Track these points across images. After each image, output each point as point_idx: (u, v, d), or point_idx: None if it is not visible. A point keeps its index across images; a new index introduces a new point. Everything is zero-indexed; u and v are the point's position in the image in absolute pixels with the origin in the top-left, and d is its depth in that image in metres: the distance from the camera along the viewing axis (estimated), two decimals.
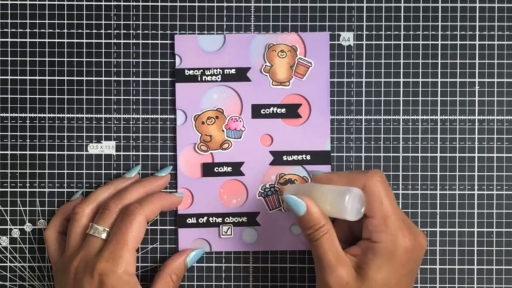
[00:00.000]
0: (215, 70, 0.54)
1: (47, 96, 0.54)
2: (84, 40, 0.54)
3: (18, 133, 0.54)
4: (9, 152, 0.54)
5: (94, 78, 0.54)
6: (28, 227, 0.54)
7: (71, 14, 0.54)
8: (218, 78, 0.54)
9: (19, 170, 0.54)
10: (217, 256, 0.54)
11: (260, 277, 0.54)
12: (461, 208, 0.54)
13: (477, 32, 0.54)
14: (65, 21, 0.54)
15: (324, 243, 0.46)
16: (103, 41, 0.54)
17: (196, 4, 0.54)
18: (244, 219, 0.54)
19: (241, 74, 0.54)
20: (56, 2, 0.54)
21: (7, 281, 0.54)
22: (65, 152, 0.54)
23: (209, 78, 0.54)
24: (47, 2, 0.54)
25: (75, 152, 0.54)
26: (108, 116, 0.54)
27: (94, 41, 0.54)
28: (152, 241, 0.54)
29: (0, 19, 0.54)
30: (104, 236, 0.49)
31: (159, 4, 0.54)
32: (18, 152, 0.54)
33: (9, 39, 0.54)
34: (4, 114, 0.54)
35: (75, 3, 0.54)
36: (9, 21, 0.54)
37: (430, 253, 0.54)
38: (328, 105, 0.54)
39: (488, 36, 0.54)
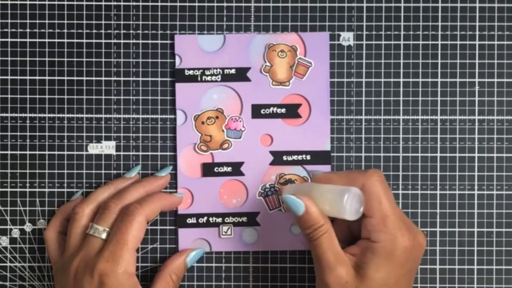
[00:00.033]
0: (215, 70, 0.54)
1: (47, 96, 0.54)
2: (84, 40, 0.54)
3: (18, 133, 0.54)
4: (9, 152, 0.54)
5: (94, 78, 0.54)
6: (28, 227, 0.54)
7: (71, 14, 0.54)
8: (218, 78, 0.54)
9: (19, 170, 0.54)
10: (217, 256, 0.54)
11: (260, 277, 0.54)
12: (461, 208, 0.54)
13: (477, 32, 0.54)
14: (65, 21, 0.54)
15: (323, 243, 0.46)
16: (103, 41, 0.54)
17: (196, 4, 0.54)
18: (244, 219, 0.54)
19: (241, 74, 0.54)
20: (56, 2, 0.54)
21: (7, 281, 0.54)
22: (65, 152, 0.54)
23: (209, 78, 0.54)
24: (47, 2, 0.54)
25: (75, 152, 0.54)
26: (108, 116, 0.54)
27: (94, 41, 0.54)
28: (152, 241, 0.54)
29: (0, 19, 0.54)
30: (104, 236, 0.49)
31: (159, 4, 0.54)
32: (18, 152, 0.54)
33: (9, 39, 0.54)
34: (4, 114, 0.54)
35: (75, 3, 0.54)
36: (9, 21, 0.54)
37: (430, 253, 0.54)
38: (328, 105, 0.54)
39: (488, 36, 0.54)
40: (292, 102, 0.54)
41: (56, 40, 0.54)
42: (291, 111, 0.54)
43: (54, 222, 0.53)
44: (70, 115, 0.54)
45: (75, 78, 0.54)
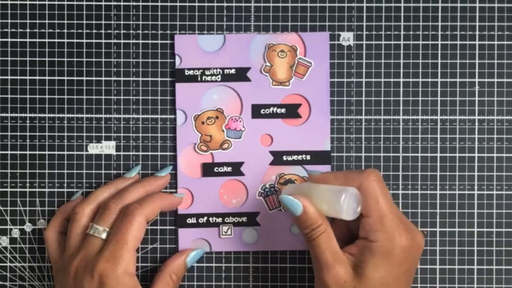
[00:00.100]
0: (215, 70, 0.54)
1: (47, 96, 0.54)
2: (84, 40, 0.54)
3: (18, 133, 0.54)
4: (9, 152, 0.54)
5: (94, 78, 0.54)
6: (28, 227, 0.54)
7: (71, 14, 0.54)
8: (218, 78, 0.54)
9: (19, 170, 0.54)
10: (217, 256, 0.54)
11: (260, 277, 0.54)
12: (461, 208, 0.54)
13: (477, 32, 0.54)
14: (65, 21, 0.54)
15: (322, 242, 0.46)
16: (103, 41, 0.54)
17: (196, 4, 0.54)
18: (244, 219, 0.54)
19: (241, 74, 0.54)
20: (56, 2, 0.54)
21: (7, 281, 0.54)
22: (65, 152, 0.54)
23: (209, 78, 0.54)
24: (47, 2, 0.54)
25: (75, 152, 0.54)
26: (108, 116, 0.54)
27: (94, 41, 0.54)
28: (152, 241, 0.54)
29: (0, 19, 0.54)
30: (104, 236, 0.49)
31: (159, 4, 0.54)
32: (18, 152, 0.54)
33: (9, 39, 0.54)
34: (4, 114, 0.54)
35: (75, 3, 0.54)
36: (9, 21, 0.54)
37: (430, 253, 0.54)
38: (328, 105, 0.54)
39: (488, 36, 0.54)
40: (292, 102, 0.54)
41: (56, 40, 0.54)
42: (291, 111, 0.54)
43: (54, 222, 0.53)
44: (70, 115, 0.54)
45: (75, 78, 0.54)
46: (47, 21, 0.54)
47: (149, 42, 0.54)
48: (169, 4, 0.54)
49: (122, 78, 0.54)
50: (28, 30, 0.54)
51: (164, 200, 0.51)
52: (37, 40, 0.54)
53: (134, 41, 0.54)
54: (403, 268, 0.46)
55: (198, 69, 0.54)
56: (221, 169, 0.54)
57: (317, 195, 0.47)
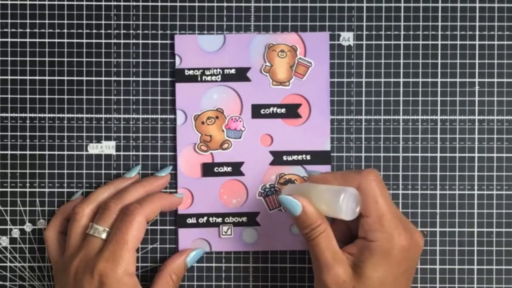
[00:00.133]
0: (215, 70, 0.54)
1: (47, 96, 0.54)
2: (84, 40, 0.54)
3: (18, 133, 0.54)
4: (9, 152, 0.54)
5: (94, 78, 0.54)
6: (28, 227, 0.54)
7: (71, 14, 0.54)
8: (218, 78, 0.54)
9: (19, 170, 0.54)
10: (217, 256, 0.54)
11: (260, 277, 0.54)
12: (461, 208, 0.54)
13: (477, 32, 0.54)
14: (65, 21, 0.54)
15: (321, 242, 0.46)
16: (103, 41, 0.54)
17: (196, 4, 0.54)
18: (244, 219, 0.54)
19: (241, 74, 0.54)
20: (56, 2, 0.54)
21: (7, 281, 0.54)
22: (65, 152, 0.54)
23: (209, 78, 0.54)
24: (47, 2, 0.54)
25: (75, 152, 0.54)
26: (108, 116, 0.54)
27: (94, 41, 0.54)
28: (152, 241, 0.54)
29: (0, 19, 0.54)
30: (104, 236, 0.49)
31: (159, 4, 0.54)
32: (18, 152, 0.54)
33: (9, 39, 0.54)
34: (4, 114, 0.54)
35: (75, 3, 0.54)
36: (9, 21, 0.54)
37: (430, 253, 0.54)
38: (328, 105, 0.54)
39: (488, 36, 0.54)
40: (292, 102, 0.54)
41: (56, 40, 0.54)
42: (291, 111, 0.54)
43: (54, 222, 0.53)
44: (70, 115, 0.54)
45: (75, 78, 0.54)
46: (47, 21, 0.54)
47: (149, 42, 0.54)
48: (169, 4, 0.54)
49: (122, 78, 0.54)
50: (28, 30, 0.54)
51: (164, 200, 0.51)
52: (37, 40, 0.54)
53: (134, 41, 0.54)
54: (402, 268, 0.46)
55: (198, 69, 0.54)
56: (221, 169, 0.54)
57: (316, 195, 0.47)
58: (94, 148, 0.54)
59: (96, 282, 0.47)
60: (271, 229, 0.54)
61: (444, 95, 0.54)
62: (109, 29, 0.54)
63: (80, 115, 0.54)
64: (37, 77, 0.54)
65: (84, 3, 0.54)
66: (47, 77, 0.54)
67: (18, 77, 0.54)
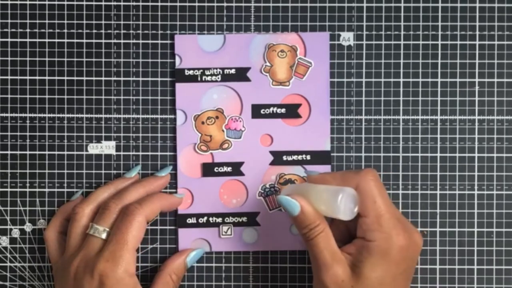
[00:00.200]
0: (215, 70, 0.54)
1: (47, 96, 0.54)
2: (84, 40, 0.54)
3: (18, 133, 0.54)
4: (9, 152, 0.54)
5: (94, 78, 0.54)
6: (28, 227, 0.54)
7: (71, 14, 0.54)
8: (218, 78, 0.54)
9: (19, 170, 0.54)
10: (217, 256, 0.54)
11: (260, 277, 0.54)
12: (461, 208, 0.54)
13: (477, 32, 0.54)
14: (65, 21, 0.54)
15: (320, 242, 0.46)
16: (103, 41, 0.54)
17: (196, 4, 0.54)
18: (244, 219, 0.54)
19: (241, 74, 0.54)
20: (56, 2, 0.54)
21: (7, 281, 0.54)
22: (65, 152, 0.54)
23: (209, 78, 0.54)
24: (47, 2, 0.54)
25: (75, 152, 0.54)
26: (108, 116, 0.54)
27: (94, 41, 0.54)
28: (152, 241, 0.54)
29: (0, 19, 0.54)
30: (104, 236, 0.49)
31: (159, 4, 0.54)
32: (18, 152, 0.54)
33: (9, 39, 0.54)
34: (4, 114, 0.54)
35: (75, 3, 0.54)
36: (9, 21, 0.54)
37: (430, 253, 0.54)
38: (328, 105, 0.54)
39: (488, 36, 0.54)
40: (292, 102, 0.54)
41: (56, 40, 0.54)
42: (291, 111, 0.54)
43: (54, 222, 0.53)
44: (70, 115, 0.54)
45: (75, 78, 0.54)
46: (47, 21, 0.54)
47: (149, 42, 0.54)
48: (169, 4, 0.54)
49: (122, 78, 0.54)
50: (28, 30, 0.54)
51: (164, 200, 0.51)
52: (37, 40, 0.54)
53: (134, 41, 0.54)
54: (401, 268, 0.46)
55: (198, 69, 0.54)
56: (221, 169, 0.54)
57: (315, 195, 0.47)
58: (94, 148, 0.54)
59: (96, 282, 0.47)
60: (271, 229, 0.54)
61: (444, 95, 0.54)
62: (109, 29, 0.54)
63: (80, 115, 0.54)
64: (37, 77, 0.54)
65: (84, 3, 0.54)
66: (47, 77, 0.54)
67: (18, 77, 0.54)
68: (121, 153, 0.54)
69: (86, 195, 0.53)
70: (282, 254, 0.55)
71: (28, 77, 0.54)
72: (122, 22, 0.54)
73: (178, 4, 0.54)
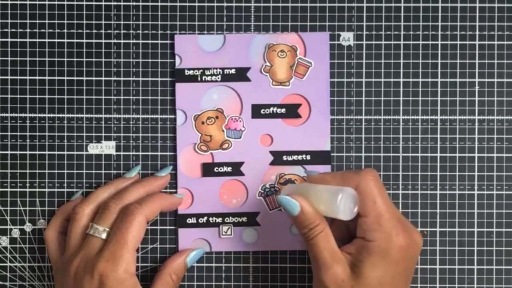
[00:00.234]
0: (215, 70, 0.54)
1: (47, 96, 0.54)
2: (84, 40, 0.54)
3: (18, 133, 0.54)
4: (9, 152, 0.54)
5: (94, 78, 0.54)
6: (28, 227, 0.54)
7: (71, 14, 0.54)
8: (218, 78, 0.54)
9: (19, 170, 0.54)
10: (217, 256, 0.54)
11: (260, 277, 0.54)
12: (461, 208, 0.54)
13: (477, 32, 0.54)
14: (65, 21, 0.54)
15: (319, 242, 0.46)
16: (103, 41, 0.54)
17: (196, 4, 0.54)
18: (244, 219, 0.54)
19: (241, 74, 0.54)
20: (56, 2, 0.54)
21: (7, 281, 0.54)
22: (65, 152, 0.54)
23: (209, 78, 0.54)
24: (47, 2, 0.54)
25: (75, 152, 0.54)
26: (108, 116, 0.54)
27: (94, 41, 0.54)
28: (152, 241, 0.54)
29: (0, 19, 0.54)
30: (104, 236, 0.49)
31: (159, 4, 0.54)
32: (18, 152, 0.54)
33: (9, 39, 0.54)
34: (4, 114, 0.54)
35: (75, 3, 0.54)
36: (9, 21, 0.54)
37: (430, 253, 0.54)
38: (328, 105, 0.54)
39: (488, 36, 0.54)
40: (292, 102, 0.54)
41: (56, 40, 0.54)
42: (291, 111, 0.54)
43: (54, 222, 0.53)
44: (70, 115, 0.54)
45: (75, 78, 0.54)
46: (47, 21, 0.54)
47: (149, 42, 0.54)
48: (169, 4, 0.54)
49: (122, 78, 0.54)
50: (28, 30, 0.54)
51: (164, 200, 0.51)
52: (37, 40, 0.54)
53: (134, 41, 0.54)
54: (400, 268, 0.46)
55: (198, 69, 0.54)
56: (221, 169, 0.54)
57: (315, 195, 0.47)
58: (94, 148, 0.54)
59: (96, 282, 0.47)
60: (271, 229, 0.54)
61: (444, 95, 0.54)
62: (109, 29, 0.54)
63: (80, 115, 0.54)
64: (37, 77, 0.54)
65: (84, 3, 0.54)
66: (47, 77, 0.54)
67: (18, 77, 0.54)
68: (121, 153, 0.54)
69: (86, 195, 0.53)
70: (282, 254, 0.55)
71: (28, 77, 0.54)
72: (122, 22, 0.54)
73: (178, 4, 0.54)
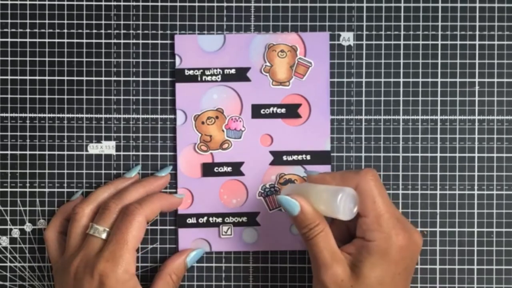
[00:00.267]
0: (215, 70, 0.54)
1: (47, 96, 0.54)
2: (84, 40, 0.54)
3: (18, 133, 0.54)
4: (9, 152, 0.54)
5: (94, 78, 0.54)
6: (28, 227, 0.54)
7: (71, 14, 0.54)
8: (218, 78, 0.54)
9: (19, 170, 0.54)
10: (217, 256, 0.54)
11: (260, 277, 0.54)
12: (461, 208, 0.54)
13: (477, 32, 0.54)
14: (65, 21, 0.54)
15: (319, 242, 0.46)
16: (103, 41, 0.54)
17: (196, 4, 0.54)
18: (244, 219, 0.54)
19: (241, 74, 0.54)
20: (56, 2, 0.54)
21: (7, 281, 0.54)
22: (65, 152, 0.54)
23: (209, 78, 0.54)
24: (47, 2, 0.54)
25: (75, 152, 0.54)
26: (108, 116, 0.54)
27: (94, 41, 0.54)
28: (152, 241, 0.54)
29: (0, 19, 0.54)
30: (104, 236, 0.49)
31: (159, 4, 0.54)
32: (18, 152, 0.54)
33: (9, 39, 0.54)
34: (4, 114, 0.54)
35: (75, 3, 0.54)
36: (9, 21, 0.54)
37: (430, 253, 0.54)
38: (328, 105, 0.54)
39: (488, 36, 0.54)
40: (292, 102, 0.54)
41: (56, 40, 0.54)
42: (291, 111, 0.54)
43: (54, 222, 0.53)
44: (70, 115, 0.54)
45: (75, 78, 0.54)
46: (47, 21, 0.54)
47: (149, 42, 0.54)
48: (169, 4, 0.54)
49: (122, 78, 0.54)
50: (28, 30, 0.54)
51: (164, 200, 0.51)
52: (37, 40, 0.54)
53: (134, 41, 0.54)
54: (400, 268, 0.46)
55: (198, 69, 0.54)
56: (221, 169, 0.54)
57: (315, 195, 0.47)
58: (94, 148, 0.54)
59: (96, 282, 0.47)
60: (271, 229, 0.54)
61: (444, 95, 0.54)
62: (109, 29, 0.54)
63: (80, 115, 0.54)
64: (37, 77, 0.54)
65: (84, 3, 0.54)
66: (47, 77, 0.54)
67: (18, 77, 0.54)
68: (121, 153, 0.54)
69: (86, 195, 0.53)
70: (282, 254, 0.55)
71: (28, 77, 0.54)
72: (122, 22, 0.54)
73: (178, 4, 0.54)
